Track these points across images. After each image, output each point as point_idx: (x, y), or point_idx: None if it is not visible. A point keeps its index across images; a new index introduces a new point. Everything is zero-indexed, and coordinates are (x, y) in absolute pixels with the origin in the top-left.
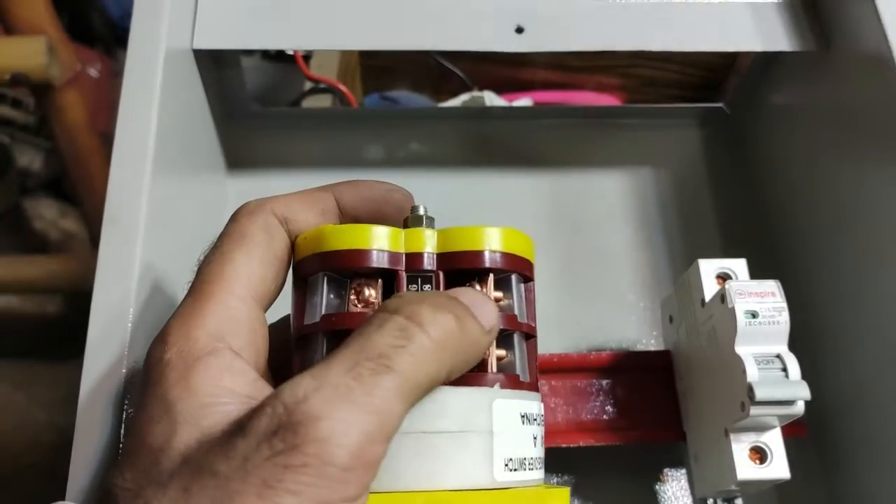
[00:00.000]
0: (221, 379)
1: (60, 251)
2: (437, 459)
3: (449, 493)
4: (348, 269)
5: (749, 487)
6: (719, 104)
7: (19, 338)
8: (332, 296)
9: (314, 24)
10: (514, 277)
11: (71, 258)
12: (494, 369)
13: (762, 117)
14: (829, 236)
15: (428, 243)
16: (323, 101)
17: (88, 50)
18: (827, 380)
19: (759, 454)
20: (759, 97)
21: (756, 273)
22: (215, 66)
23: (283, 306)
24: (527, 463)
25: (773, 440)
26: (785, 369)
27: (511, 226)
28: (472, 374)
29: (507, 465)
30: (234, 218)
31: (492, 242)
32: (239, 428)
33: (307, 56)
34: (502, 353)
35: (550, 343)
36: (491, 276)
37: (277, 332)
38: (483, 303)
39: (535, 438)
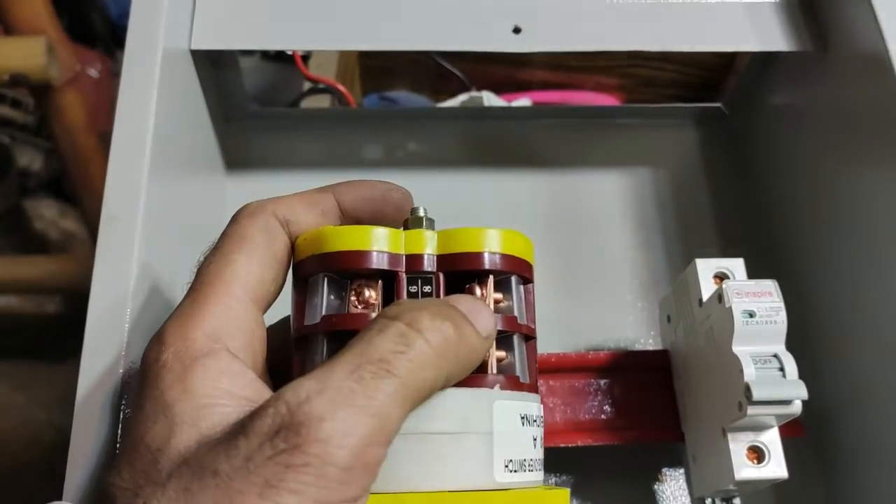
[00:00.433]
0: (219, 380)
1: (60, 251)
2: (437, 460)
3: (449, 494)
4: (348, 270)
5: (747, 487)
6: (717, 104)
7: (19, 338)
8: (332, 297)
9: (313, 25)
10: (513, 279)
11: (71, 258)
12: (495, 371)
13: (760, 117)
14: (827, 236)
15: (428, 245)
16: (322, 102)
17: (88, 50)
18: (824, 379)
19: (757, 454)
20: (758, 97)
21: (754, 273)
22: (213, 66)
23: (283, 307)
24: (527, 464)
25: (771, 440)
26: (782, 369)
27: (509, 225)
28: (473, 376)
29: (507, 466)
30: (235, 219)
31: (492, 244)
32: (241, 428)
33: (306, 56)
34: (502, 354)
35: (548, 343)
36: (491, 277)
37: (276, 332)
38: (480, 310)
39: (534, 440)
